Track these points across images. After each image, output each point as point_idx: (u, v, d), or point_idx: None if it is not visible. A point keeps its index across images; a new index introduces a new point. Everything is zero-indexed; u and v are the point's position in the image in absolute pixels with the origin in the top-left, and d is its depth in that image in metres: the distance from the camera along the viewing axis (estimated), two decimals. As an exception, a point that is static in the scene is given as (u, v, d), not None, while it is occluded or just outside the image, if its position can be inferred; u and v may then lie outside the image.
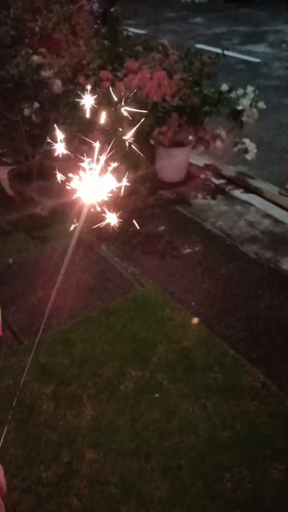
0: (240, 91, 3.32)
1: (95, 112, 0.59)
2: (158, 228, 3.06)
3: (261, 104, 3.25)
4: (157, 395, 1.98)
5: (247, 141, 3.58)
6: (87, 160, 0.55)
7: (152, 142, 3.40)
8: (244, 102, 3.21)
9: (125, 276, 2.63)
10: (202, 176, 3.65)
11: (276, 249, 2.82)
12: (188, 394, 1.99)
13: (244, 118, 3.30)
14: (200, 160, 3.96)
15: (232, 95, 3.33)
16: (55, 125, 0.56)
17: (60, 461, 1.75)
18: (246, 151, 3.57)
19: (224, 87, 3.26)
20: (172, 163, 3.57)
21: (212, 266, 2.71)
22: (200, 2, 12.59)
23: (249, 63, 6.95)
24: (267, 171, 4.04)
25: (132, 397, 1.97)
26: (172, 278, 2.62)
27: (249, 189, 3.48)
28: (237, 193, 3.42)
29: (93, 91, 0.56)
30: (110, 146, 0.56)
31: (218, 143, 3.59)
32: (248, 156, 3.58)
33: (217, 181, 3.57)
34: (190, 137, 3.58)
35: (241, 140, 3.54)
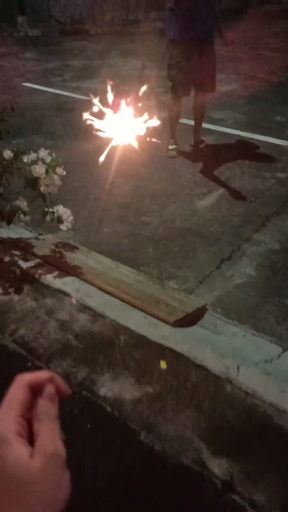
0: (34, 155, 2.66)
1: None
2: None
3: (60, 170, 2.62)
4: None
5: (59, 208, 2.93)
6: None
7: None
8: (38, 170, 2.56)
9: None
10: (7, 258, 2.91)
11: (93, 361, 2.17)
12: None
13: (42, 188, 2.64)
14: (8, 232, 3.23)
15: (25, 159, 2.66)
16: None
17: None
18: (60, 220, 2.92)
19: (7, 153, 2.56)
20: None
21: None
22: (34, 35, 12.07)
23: (80, 101, 6.47)
24: (95, 234, 3.45)
25: None
26: None
27: (66, 270, 2.82)
28: (50, 278, 2.73)
29: None
30: None
31: (22, 217, 2.90)
32: (63, 227, 2.93)
33: (26, 264, 2.85)
34: (-17, 213, 2.83)
35: (49, 209, 2.89)
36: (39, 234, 3.32)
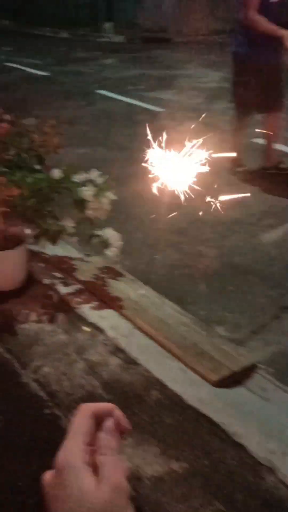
0: (85, 176, 2.45)
1: None
2: None
3: (111, 195, 2.40)
4: None
5: (108, 231, 2.72)
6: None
7: None
8: (86, 193, 2.35)
9: None
10: (46, 281, 2.73)
11: (117, 418, 1.92)
12: None
13: (89, 212, 2.43)
14: (55, 249, 3.06)
15: (75, 179, 2.47)
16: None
17: None
18: (106, 244, 2.71)
19: (57, 173, 2.37)
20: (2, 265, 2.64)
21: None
22: (117, 41, 12.14)
23: (152, 113, 6.28)
24: (144, 261, 3.21)
25: None
26: None
27: (105, 301, 2.60)
28: (87, 309, 2.52)
29: None
30: None
31: (66, 238, 2.71)
32: (109, 252, 2.71)
33: (64, 290, 2.66)
34: (27, 230, 2.68)
35: (96, 232, 2.68)
36: (86, 255, 3.13)
